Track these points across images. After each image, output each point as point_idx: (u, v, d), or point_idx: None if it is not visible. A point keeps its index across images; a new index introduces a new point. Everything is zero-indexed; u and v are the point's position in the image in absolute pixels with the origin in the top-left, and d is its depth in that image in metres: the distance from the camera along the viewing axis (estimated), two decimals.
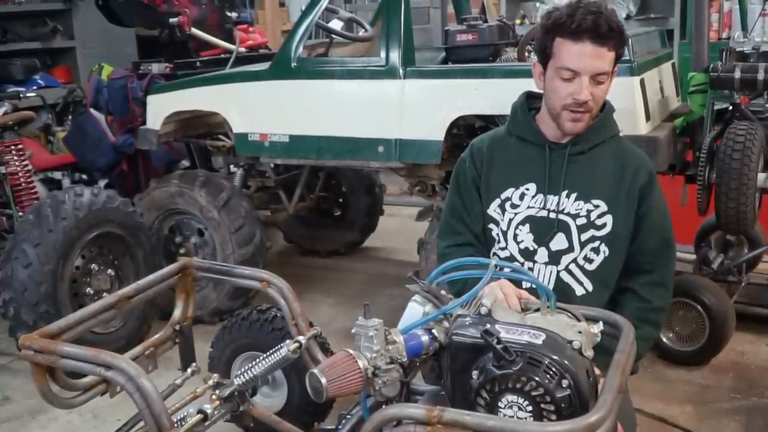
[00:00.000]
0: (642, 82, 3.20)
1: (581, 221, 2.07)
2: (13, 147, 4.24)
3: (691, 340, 3.56)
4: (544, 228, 2.08)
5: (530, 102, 2.18)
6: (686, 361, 3.57)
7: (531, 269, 2.08)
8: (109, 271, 3.87)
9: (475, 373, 1.58)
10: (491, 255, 2.14)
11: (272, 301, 2.43)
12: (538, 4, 6.45)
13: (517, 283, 1.81)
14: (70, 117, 5.24)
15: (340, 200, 5.31)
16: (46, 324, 2.12)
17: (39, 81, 5.64)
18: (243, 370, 2.29)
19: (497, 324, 1.61)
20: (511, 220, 2.12)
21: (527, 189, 2.12)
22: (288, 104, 3.88)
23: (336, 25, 4.09)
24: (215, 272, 2.51)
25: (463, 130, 3.68)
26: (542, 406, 1.52)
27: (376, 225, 5.39)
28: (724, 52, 3.47)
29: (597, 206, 2.07)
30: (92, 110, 4.87)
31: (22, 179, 4.24)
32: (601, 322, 1.68)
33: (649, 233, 2.09)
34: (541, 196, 2.10)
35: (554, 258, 2.08)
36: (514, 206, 2.12)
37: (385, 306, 4.05)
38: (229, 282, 2.59)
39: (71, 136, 4.88)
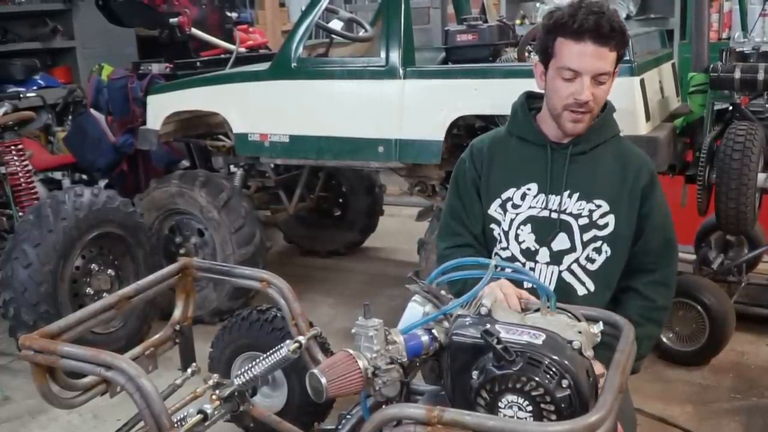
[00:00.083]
0: (642, 82, 3.20)
1: (583, 221, 2.07)
2: (13, 147, 4.24)
3: (691, 340, 3.56)
4: (545, 228, 2.08)
5: (530, 102, 2.18)
6: (686, 361, 3.57)
7: (532, 269, 2.08)
8: (109, 271, 3.87)
9: (475, 373, 1.58)
10: (493, 255, 2.14)
11: (272, 301, 2.43)
12: (538, 5, 6.43)
13: (518, 284, 1.81)
14: (70, 117, 5.23)
15: (340, 200, 5.31)
16: (46, 324, 2.12)
17: (39, 81, 5.64)
18: (243, 370, 2.29)
19: (497, 324, 1.61)
20: (512, 220, 2.11)
21: (528, 189, 2.11)
22: (288, 104, 3.88)
23: (336, 25, 4.09)
24: (215, 272, 2.51)
25: (463, 130, 3.68)
26: (542, 406, 1.52)
27: (376, 225, 5.39)
28: (724, 53, 3.47)
29: (599, 206, 2.07)
30: (92, 110, 4.86)
31: (22, 179, 4.23)
32: (601, 323, 1.68)
33: (651, 233, 2.09)
34: (542, 196, 2.10)
35: (556, 258, 2.08)
36: (515, 206, 2.12)
37: (385, 306, 4.05)
38: (229, 282, 2.59)
39: (71, 136, 4.88)
